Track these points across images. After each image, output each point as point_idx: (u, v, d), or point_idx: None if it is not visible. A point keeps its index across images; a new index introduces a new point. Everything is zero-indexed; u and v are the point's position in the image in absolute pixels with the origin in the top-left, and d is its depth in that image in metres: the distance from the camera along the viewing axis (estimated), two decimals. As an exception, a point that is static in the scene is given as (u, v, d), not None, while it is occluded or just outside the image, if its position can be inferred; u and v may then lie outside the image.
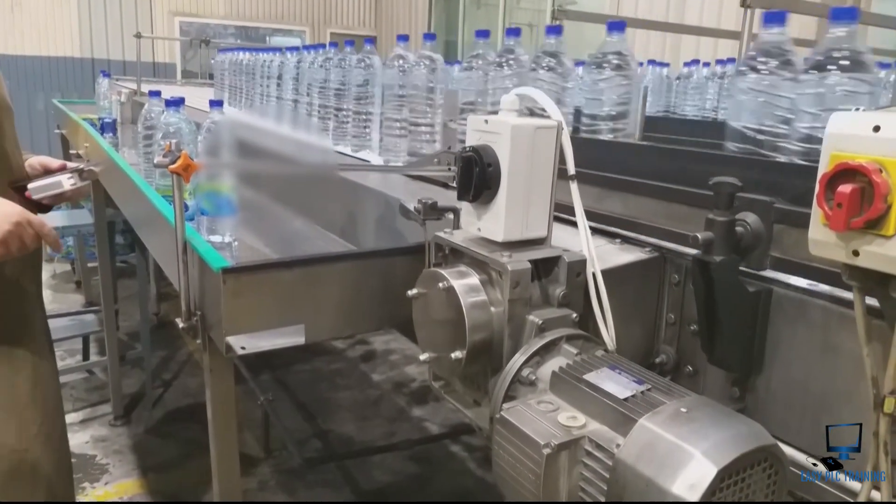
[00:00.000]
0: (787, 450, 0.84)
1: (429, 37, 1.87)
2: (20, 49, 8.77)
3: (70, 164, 1.83)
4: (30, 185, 1.67)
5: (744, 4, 2.99)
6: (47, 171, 1.77)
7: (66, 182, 1.73)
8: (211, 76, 5.27)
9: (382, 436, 3.66)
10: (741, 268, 0.95)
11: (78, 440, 3.50)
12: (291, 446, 3.16)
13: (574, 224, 1.03)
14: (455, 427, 3.55)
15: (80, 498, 3.09)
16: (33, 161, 1.80)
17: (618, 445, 0.76)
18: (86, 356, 4.22)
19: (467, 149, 1.00)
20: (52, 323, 4.15)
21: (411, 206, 1.17)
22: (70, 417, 3.71)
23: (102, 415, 3.74)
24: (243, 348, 1.11)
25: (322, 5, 10.63)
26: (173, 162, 1.04)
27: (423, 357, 1.05)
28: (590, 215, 1.03)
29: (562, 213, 1.06)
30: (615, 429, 0.78)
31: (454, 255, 1.07)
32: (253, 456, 3.37)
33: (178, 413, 3.79)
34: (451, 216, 1.14)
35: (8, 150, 1.64)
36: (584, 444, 0.79)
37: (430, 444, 3.53)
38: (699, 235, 0.91)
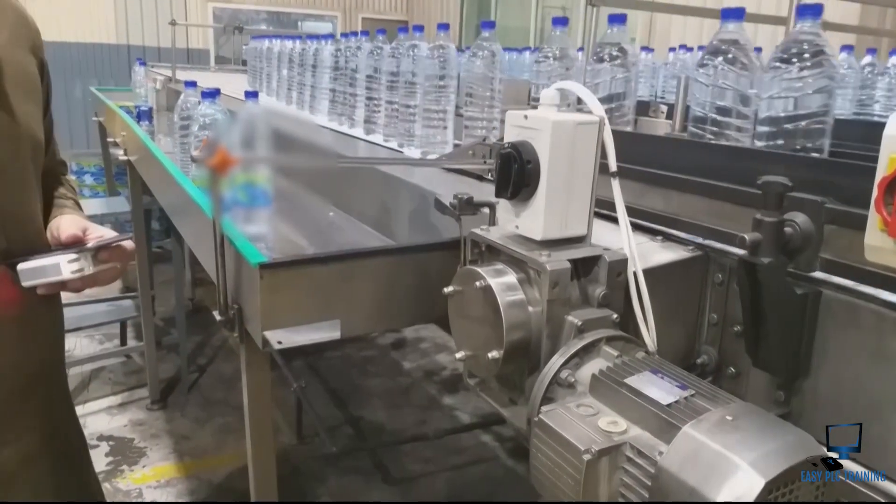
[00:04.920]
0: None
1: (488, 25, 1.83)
2: (58, 35, 8.89)
3: (105, 233, 1.24)
4: (20, 266, 1.14)
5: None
6: (61, 244, 1.21)
7: (66, 267, 1.14)
8: (244, 62, 5.30)
9: (414, 424, 3.68)
10: (789, 269, 0.92)
11: (116, 423, 3.58)
12: (323, 434, 3.19)
13: (613, 219, 1.00)
14: (486, 417, 3.56)
15: (118, 480, 3.16)
16: (60, 224, 1.24)
17: (660, 453, 0.74)
18: (123, 341, 4.31)
19: (506, 145, 0.97)
20: (91, 308, 4.23)
21: (447, 200, 1.16)
22: (108, 401, 3.81)
23: (139, 399, 3.82)
24: (280, 343, 1.11)
25: (354, -10, 10.61)
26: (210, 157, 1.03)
27: (458, 355, 1.04)
28: (630, 211, 1.01)
29: (599, 209, 1.04)
30: (658, 435, 0.77)
31: (490, 252, 1.05)
32: (286, 442, 3.42)
33: (214, 398, 3.85)
34: (487, 211, 1.12)
35: (7, 208, 1.14)
36: (626, 450, 0.78)
37: (461, 434, 3.53)
38: (746, 236, 0.88)
